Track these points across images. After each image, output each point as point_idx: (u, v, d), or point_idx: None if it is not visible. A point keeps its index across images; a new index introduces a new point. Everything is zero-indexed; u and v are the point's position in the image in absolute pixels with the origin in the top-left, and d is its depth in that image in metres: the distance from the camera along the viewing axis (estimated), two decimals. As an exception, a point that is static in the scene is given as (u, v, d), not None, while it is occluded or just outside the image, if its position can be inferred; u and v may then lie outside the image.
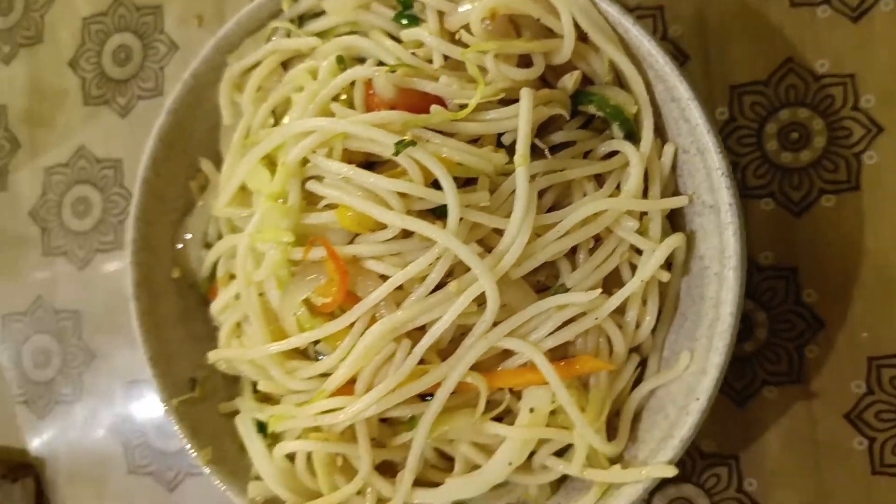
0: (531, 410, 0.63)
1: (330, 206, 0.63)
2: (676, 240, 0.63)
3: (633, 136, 0.65)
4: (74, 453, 0.95)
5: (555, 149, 0.64)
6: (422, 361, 0.61)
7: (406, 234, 0.62)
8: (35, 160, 0.99)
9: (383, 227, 0.62)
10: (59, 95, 0.99)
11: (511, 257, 0.60)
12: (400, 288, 0.61)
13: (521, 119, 0.60)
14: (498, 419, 0.64)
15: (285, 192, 0.64)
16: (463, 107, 0.60)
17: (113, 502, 0.93)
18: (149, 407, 0.92)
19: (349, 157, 0.63)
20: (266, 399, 0.72)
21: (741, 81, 0.73)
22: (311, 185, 0.63)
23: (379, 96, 0.62)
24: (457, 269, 0.61)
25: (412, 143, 0.59)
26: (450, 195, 0.59)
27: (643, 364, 0.67)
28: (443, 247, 0.59)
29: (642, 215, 0.64)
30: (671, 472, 0.60)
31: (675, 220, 0.66)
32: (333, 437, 0.66)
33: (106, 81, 0.97)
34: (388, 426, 0.67)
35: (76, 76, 0.99)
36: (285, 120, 0.67)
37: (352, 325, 0.62)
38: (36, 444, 0.97)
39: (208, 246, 0.76)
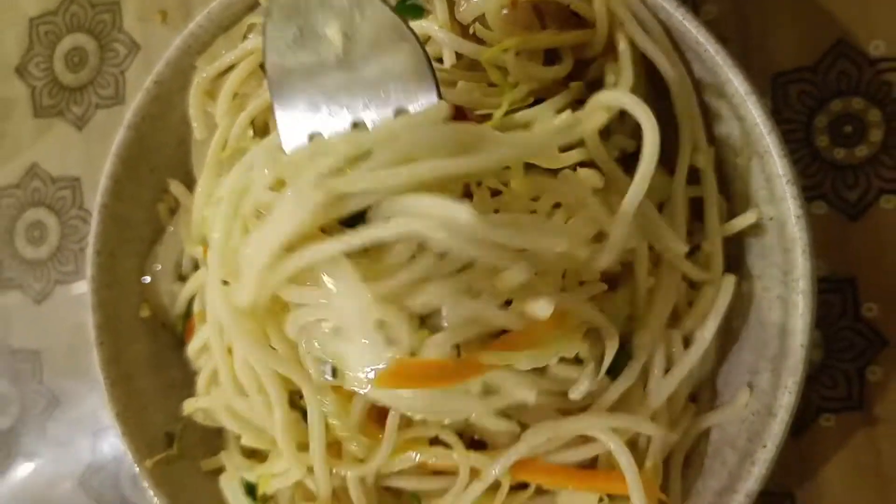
0: None
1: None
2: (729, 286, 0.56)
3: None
4: (40, 512, 0.87)
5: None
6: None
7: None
8: (-20, 182, 0.91)
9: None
10: (5, 107, 0.90)
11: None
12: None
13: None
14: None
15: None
16: (486, 117, 0.53)
17: (84, 567, 0.84)
18: (122, 457, 0.83)
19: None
20: (255, 453, 0.64)
21: (786, 68, 0.67)
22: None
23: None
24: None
25: None
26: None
27: (693, 398, 0.60)
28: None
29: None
30: (735, 535, 0.53)
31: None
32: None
33: (59, 89, 0.89)
34: (391, 493, 0.59)
35: (24, 84, 0.91)
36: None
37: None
38: (-5, 502, 0.89)
39: (182, 279, 0.69)
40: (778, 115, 0.66)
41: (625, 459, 0.51)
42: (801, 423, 0.65)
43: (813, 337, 0.52)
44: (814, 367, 0.65)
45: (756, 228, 0.56)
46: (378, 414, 0.52)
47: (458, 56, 0.55)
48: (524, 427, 0.52)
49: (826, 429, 0.65)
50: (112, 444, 0.84)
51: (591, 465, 0.54)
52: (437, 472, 0.55)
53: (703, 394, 0.60)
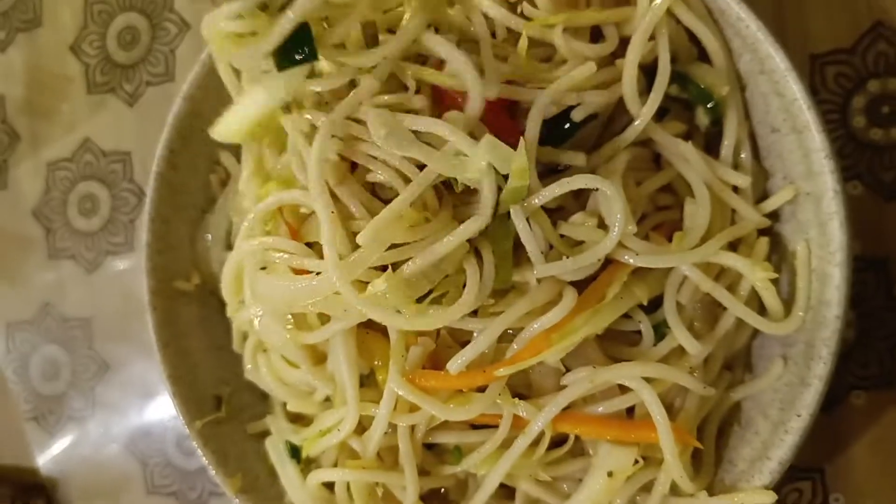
0: (609, 474, 0.55)
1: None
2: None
3: (718, 123, 0.58)
4: (88, 473, 0.89)
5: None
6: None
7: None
8: (37, 155, 0.93)
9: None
10: (60, 83, 0.93)
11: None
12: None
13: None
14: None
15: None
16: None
17: (132, 526, 0.87)
18: (168, 421, 0.86)
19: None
20: (300, 418, 0.66)
21: (823, 50, 0.67)
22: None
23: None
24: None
25: None
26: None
27: (728, 368, 0.60)
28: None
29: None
30: (770, 497, 0.54)
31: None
32: (371, 464, 0.59)
33: (111, 67, 0.91)
34: (432, 453, 0.61)
35: (79, 62, 0.93)
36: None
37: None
38: (47, 463, 0.91)
39: (232, 247, 0.68)
40: (815, 96, 0.66)
41: (655, 408, 0.52)
42: (833, 399, 0.65)
43: (848, 309, 0.53)
44: (846, 345, 0.65)
45: (792, 204, 0.57)
46: (432, 362, 0.54)
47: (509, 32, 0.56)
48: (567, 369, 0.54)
49: (857, 405, 0.65)
50: (158, 408, 0.86)
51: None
52: (478, 426, 0.56)
53: (737, 365, 0.60)
